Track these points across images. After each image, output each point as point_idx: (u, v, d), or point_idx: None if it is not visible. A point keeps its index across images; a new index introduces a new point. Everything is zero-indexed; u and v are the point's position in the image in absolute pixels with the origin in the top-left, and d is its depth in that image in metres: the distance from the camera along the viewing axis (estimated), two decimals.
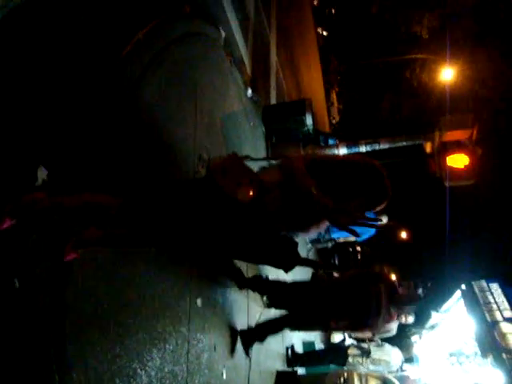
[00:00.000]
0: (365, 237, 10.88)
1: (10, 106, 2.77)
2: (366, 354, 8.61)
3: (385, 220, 10.56)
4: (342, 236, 10.69)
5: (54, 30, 3.25)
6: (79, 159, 3.30)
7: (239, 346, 5.79)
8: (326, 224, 2.76)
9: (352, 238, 10.82)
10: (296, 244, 2.79)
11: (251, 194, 2.60)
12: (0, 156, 2.65)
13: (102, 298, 3.26)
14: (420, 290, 7.46)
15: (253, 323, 6.50)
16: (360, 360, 8.66)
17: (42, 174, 2.92)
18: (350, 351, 8.76)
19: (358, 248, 14.14)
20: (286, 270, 2.86)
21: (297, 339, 9.47)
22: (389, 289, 5.21)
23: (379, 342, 9.08)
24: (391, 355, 8.84)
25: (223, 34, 7.48)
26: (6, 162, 2.68)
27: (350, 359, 8.68)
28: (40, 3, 3.14)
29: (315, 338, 11.36)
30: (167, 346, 4.05)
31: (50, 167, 2.98)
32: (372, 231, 10.34)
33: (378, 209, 2.78)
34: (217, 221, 2.66)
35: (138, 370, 3.56)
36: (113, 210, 2.75)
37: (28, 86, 2.94)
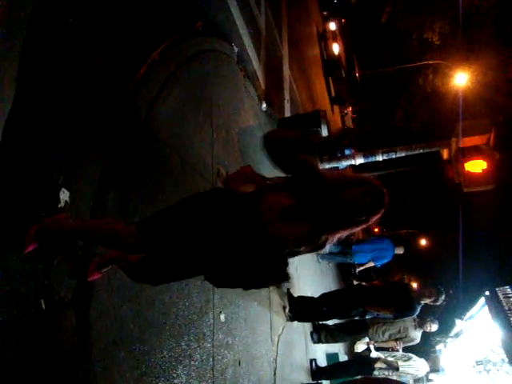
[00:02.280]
0: (382, 262, 10.92)
1: (34, 127, 2.82)
2: (394, 369, 8.53)
3: (401, 251, 10.56)
4: (363, 261, 10.72)
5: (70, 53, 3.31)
6: (98, 178, 3.35)
7: (264, 359, 5.78)
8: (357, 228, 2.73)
9: (371, 264, 10.85)
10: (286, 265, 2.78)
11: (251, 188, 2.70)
12: (24, 180, 2.69)
13: (126, 318, 3.28)
14: (443, 297, 7.44)
15: (275, 336, 6.49)
16: (386, 373, 8.58)
17: (65, 195, 2.96)
18: (377, 365, 8.67)
19: None
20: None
21: (320, 351, 9.41)
22: None
23: (407, 354, 8.99)
24: (418, 369, 8.76)
25: (236, 50, 7.53)
26: (29, 185, 2.73)
27: (376, 372, 8.59)
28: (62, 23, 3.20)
29: (339, 349, 11.27)
30: (192, 363, 4.05)
31: (71, 189, 3.02)
32: (389, 258, 10.42)
33: (374, 219, 2.71)
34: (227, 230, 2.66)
35: None
36: (128, 238, 2.72)
37: (50, 108, 2.99)
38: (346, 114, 36.71)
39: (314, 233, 2.60)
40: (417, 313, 7.53)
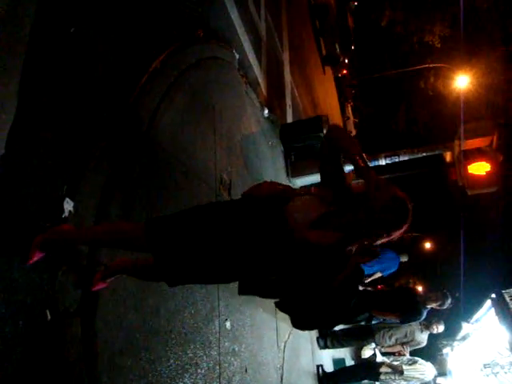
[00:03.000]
0: (388, 272, 10.91)
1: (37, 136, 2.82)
2: (399, 373, 8.48)
3: (405, 259, 10.52)
4: (369, 273, 10.71)
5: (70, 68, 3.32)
6: (101, 188, 3.36)
7: (271, 366, 5.76)
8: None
9: (378, 275, 10.84)
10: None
11: (280, 189, 2.74)
12: (28, 190, 2.70)
13: (131, 326, 3.28)
14: (449, 301, 7.41)
15: (282, 343, 6.47)
16: (392, 377, 8.53)
17: (69, 205, 2.96)
18: (382, 369, 8.62)
19: None
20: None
21: (327, 356, 9.39)
22: None
23: (413, 358, 8.95)
24: (424, 373, 8.70)
25: (237, 56, 7.54)
26: (33, 196, 2.73)
27: (382, 377, 8.55)
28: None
29: (345, 354, 11.23)
30: (199, 371, 4.04)
31: (75, 199, 3.03)
32: (395, 267, 10.40)
33: (398, 233, 2.73)
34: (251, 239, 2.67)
35: None
36: (138, 236, 2.73)
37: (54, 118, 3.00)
38: (348, 118, 36.68)
39: (341, 242, 2.63)
40: (423, 317, 7.49)
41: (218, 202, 3.03)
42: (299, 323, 3.00)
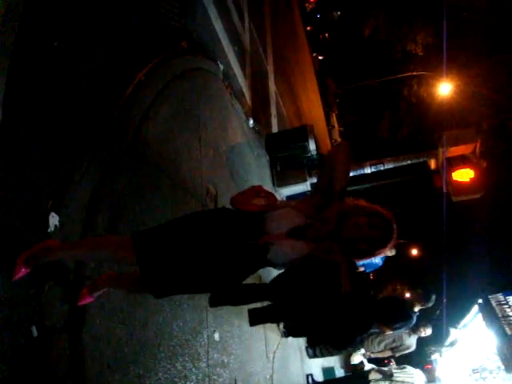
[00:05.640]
0: (370, 269, 10.95)
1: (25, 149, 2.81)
2: (388, 377, 8.48)
3: (393, 253, 10.56)
4: None
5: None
6: (87, 201, 3.34)
7: (260, 377, 5.74)
8: None
9: (361, 269, 10.87)
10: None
11: (264, 203, 2.73)
12: (12, 205, 2.67)
13: (119, 341, 3.25)
14: (433, 297, 7.47)
15: (271, 353, 6.45)
16: (382, 383, 8.53)
17: (54, 220, 2.94)
18: (372, 376, 8.62)
19: None
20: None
21: (316, 365, 9.37)
22: None
23: (401, 365, 8.96)
24: (414, 376, 8.72)
25: (221, 67, 7.56)
26: (17, 211, 2.71)
27: None
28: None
29: (334, 362, 11.23)
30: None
31: (60, 213, 3.01)
32: (378, 264, 10.43)
33: (384, 250, 2.74)
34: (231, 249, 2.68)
35: None
36: (124, 249, 2.72)
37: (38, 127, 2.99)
38: (333, 127, 36.84)
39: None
40: (414, 322, 7.52)
41: (201, 212, 3.03)
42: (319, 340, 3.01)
